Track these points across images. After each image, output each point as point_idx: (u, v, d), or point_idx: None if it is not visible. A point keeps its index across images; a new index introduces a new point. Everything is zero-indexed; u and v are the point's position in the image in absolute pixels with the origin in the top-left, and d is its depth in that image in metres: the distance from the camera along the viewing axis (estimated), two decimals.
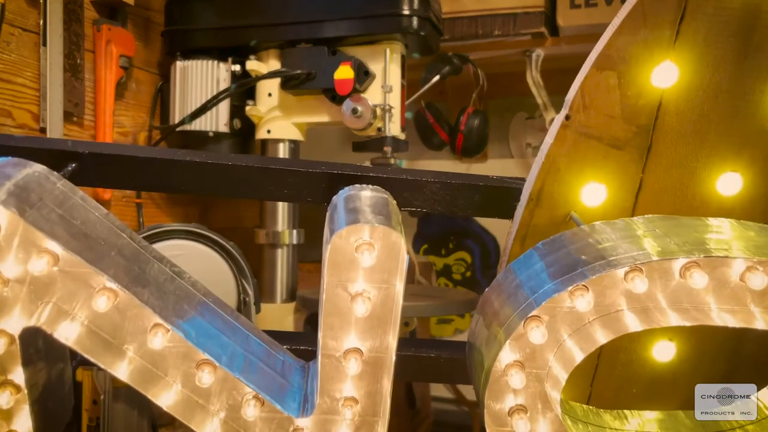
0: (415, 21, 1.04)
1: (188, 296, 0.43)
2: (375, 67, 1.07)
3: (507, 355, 0.43)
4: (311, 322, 1.17)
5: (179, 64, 1.15)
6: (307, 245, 1.24)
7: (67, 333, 0.40)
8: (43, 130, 0.99)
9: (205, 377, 0.42)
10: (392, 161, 1.10)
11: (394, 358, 0.44)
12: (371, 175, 0.52)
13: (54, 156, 0.48)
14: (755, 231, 0.44)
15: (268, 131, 1.16)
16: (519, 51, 1.34)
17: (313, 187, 0.52)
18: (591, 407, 0.51)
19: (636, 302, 0.42)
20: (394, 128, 1.09)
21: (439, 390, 1.80)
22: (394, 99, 1.09)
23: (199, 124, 1.14)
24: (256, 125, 1.17)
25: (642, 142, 0.50)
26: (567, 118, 0.48)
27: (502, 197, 0.52)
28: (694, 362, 0.57)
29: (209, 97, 1.12)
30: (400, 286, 0.42)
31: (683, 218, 0.45)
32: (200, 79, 1.14)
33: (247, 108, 1.15)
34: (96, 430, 0.96)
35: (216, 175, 0.51)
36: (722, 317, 0.42)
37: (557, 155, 0.49)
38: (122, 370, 0.41)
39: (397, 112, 1.09)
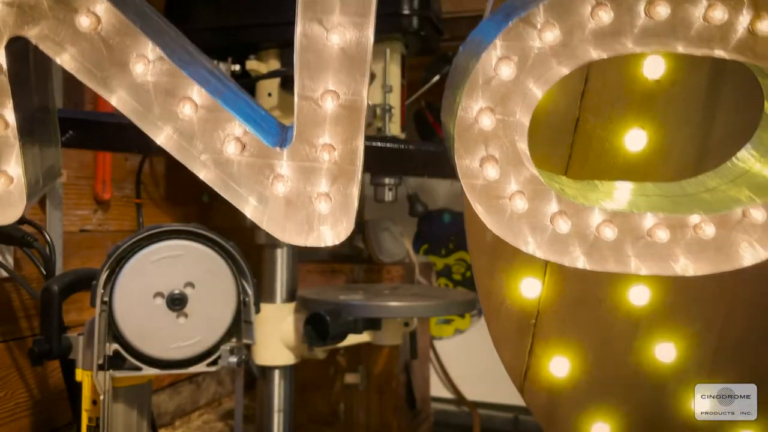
0: (415, 20, 1.04)
1: (169, 34, 0.45)
2: (375, 67, 1.08)
3: (476, 97, 0.45)
4: (311, 322, 1.17)
5: None
6: None
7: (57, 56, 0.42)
8: None
9: (188, 110, 0.44)
10: None
11: (365, 106, 0.46)
12: None
13: None
14: None
15: None
16: None
17: None
18: (562, 176, 0.53)
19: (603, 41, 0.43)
20: (394, 128, 1.10)
21: (439, 390, 1.80)
22: (394, 99, 1.09)
23: None
24: None
25: None
26: None
27: None
28: (665, 150, 0.58)
29: None
30: (372, 27, 0.44)
31: None
32: None
33: None
34: (96, 430, 0.96)
35: None
36: (688, 50, 0.43)
37: None
38: (113, 101, 0.43)
39: (397, 112, 1.09)
